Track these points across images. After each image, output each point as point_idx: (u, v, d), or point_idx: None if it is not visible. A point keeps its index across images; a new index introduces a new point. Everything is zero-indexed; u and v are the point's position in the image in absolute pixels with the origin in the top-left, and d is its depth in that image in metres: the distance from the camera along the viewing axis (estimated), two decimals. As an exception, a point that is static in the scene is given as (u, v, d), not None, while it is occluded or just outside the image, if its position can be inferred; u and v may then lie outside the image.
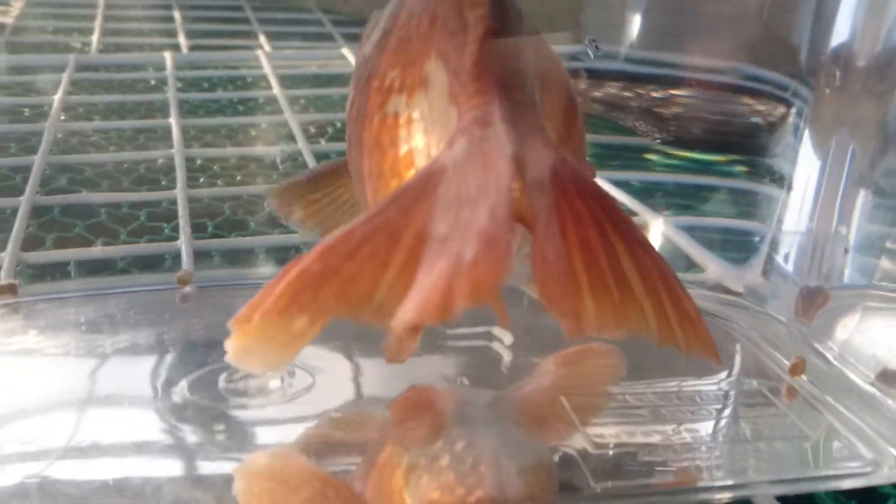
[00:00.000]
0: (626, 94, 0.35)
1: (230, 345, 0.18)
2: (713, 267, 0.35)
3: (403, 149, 0.22)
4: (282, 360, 0.19)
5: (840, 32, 0.30)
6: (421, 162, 0.22)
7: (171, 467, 0.24)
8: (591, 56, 0.34)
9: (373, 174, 0.23)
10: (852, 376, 0.29)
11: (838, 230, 0.31)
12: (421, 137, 0.22)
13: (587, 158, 0.26)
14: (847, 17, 0.29)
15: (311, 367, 0.28)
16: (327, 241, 0.19)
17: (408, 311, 0.17)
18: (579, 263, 0.18)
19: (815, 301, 0.31)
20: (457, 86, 0.21)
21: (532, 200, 0.18)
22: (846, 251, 0.30)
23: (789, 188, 0.32)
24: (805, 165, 0.31)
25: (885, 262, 0.30)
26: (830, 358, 0.30)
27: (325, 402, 0.27)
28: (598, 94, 0.34)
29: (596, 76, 0.34)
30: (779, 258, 0.32)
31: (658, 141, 0.38)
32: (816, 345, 0.31)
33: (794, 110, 0.32)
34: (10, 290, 0.31)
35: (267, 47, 0.76)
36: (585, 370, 0.29)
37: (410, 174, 0.21)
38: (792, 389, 0.29)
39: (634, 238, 0.19)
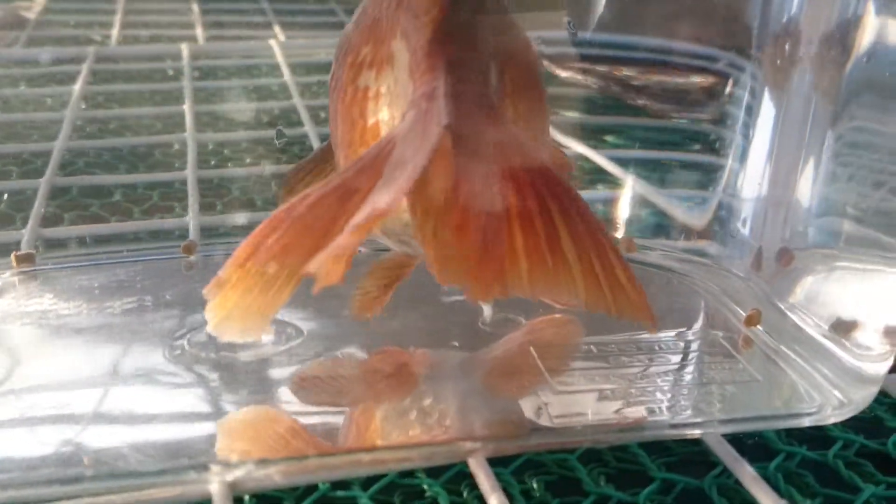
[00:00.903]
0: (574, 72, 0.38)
1: (210, 314, 0.21)
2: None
3: (371, 120, 0.25)
4: (257, 324, 0.21)
5: (790, 5, 0.32)
6: (385, 133, 0.24)
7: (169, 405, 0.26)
8: (569, 37, 0.36)
9: (345, 142, 0.26)
10: (806, 328, 0.31)
11: (796, 196, 0.33)
12: (386, 110, 0.25)
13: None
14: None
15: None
16: (293, 199, 0.21)
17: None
18: (517, 230, 0.20)
19: (779, 260, 0.33)
20: (413, 63, 0.23)
21: (462, 167, 0.20)
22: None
23: (743, 157, 0.34)
24: (759, 135, 0.33)
25: (847, 226, 0.32)
26: (787, 311, 0.32)
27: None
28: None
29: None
30: (736, 223, 0.34)
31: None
32: (776, 300, 0.32)
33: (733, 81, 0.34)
34: (28, 258, 0.34)
35: (281, 37, 0.79)
36: (549, 336, 0.31)
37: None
38: (748, 339, 0.31)
39: (573, 209, 0.21)
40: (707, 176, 0.35)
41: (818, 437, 0.29)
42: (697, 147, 0.36)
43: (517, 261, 0.20)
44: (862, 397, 0.28)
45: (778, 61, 0.32)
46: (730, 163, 0.34)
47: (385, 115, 0.25)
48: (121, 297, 0.32)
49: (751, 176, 0.34)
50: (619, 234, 0.36)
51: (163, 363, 0.28)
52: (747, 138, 0.34)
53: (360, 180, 0.21)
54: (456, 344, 0.31)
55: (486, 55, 0.24)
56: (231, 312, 0.21)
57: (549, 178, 0.21)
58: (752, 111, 0.34)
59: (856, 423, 0.29)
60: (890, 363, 0.28)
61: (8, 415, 0.26)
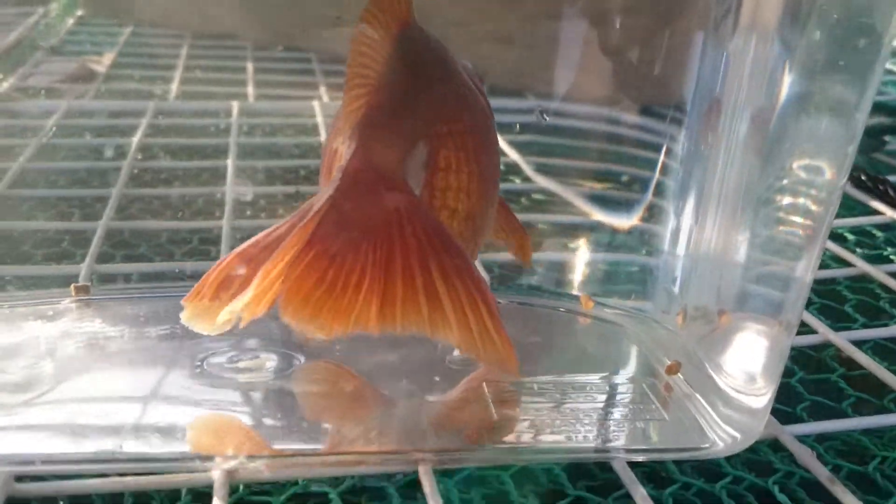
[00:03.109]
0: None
1: (183, 315, 0.30)
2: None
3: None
4: (219, 327, 0.30)
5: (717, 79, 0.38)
6: None
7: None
8: (543, 124, 0.42)
9: None
10: (716, 377, 0.37)
11: (730, 259, 0.38)
12: None
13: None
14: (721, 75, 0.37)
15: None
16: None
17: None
18: (400, 283, 0.27)
19: (719, 317, 0.39)
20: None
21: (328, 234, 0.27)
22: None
23: (675, 222, 0.40)
24: (688, 201, 0.39)
25: (753, 288, 0.37)
26: (705, 362, 0.38)
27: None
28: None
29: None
30: (667, 283, 0.41)
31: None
32: (698, 352, 0.39)
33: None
34: (85, 289, 0.41)
35: (325, 98, 0.87)
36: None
37: None
38: (668, 385, 0.37)
39: (454, 268, 0.28)
40: (644, 239, 0.42)
41: (713, 471, 0.35)
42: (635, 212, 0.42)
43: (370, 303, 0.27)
44: (745, 438, 0.34)
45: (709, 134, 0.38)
46: (665, 228, 0.41)
47: None
48: (157, 325, 0.39)
49: (679, 240, 0.40)
50: (577, 291, 0.43)
51: (186, 380, 0.35)
52: (678, 204, 0.40)
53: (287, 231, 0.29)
54: (437, 378, 0.37)
55: (408, 138, 0.30)
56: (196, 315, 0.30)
57: (434, 242, 0.28)
58: (681, 178, 0.40)
59: (749, 463, 0.35)
60: (767, 407, 0.34)
61: (54, 419, 0.33)
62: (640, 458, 0.34)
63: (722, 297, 0.38)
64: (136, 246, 0.51)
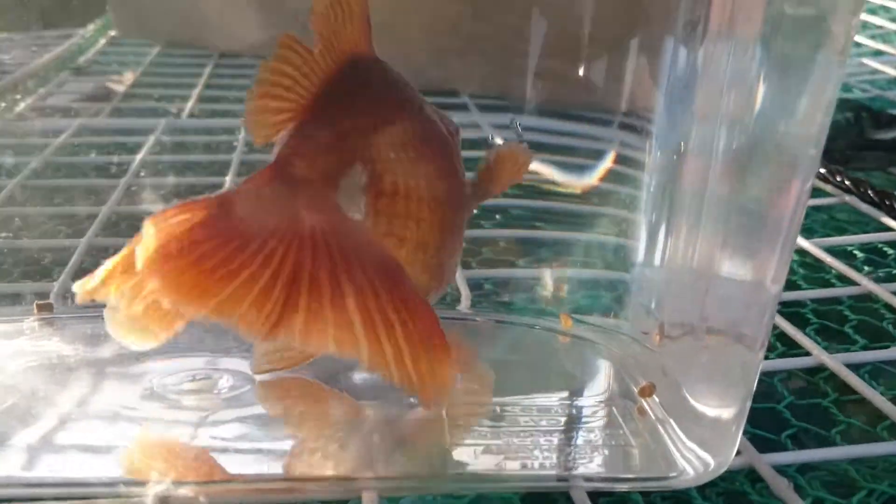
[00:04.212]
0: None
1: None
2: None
3: None
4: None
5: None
6: None
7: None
8: (518, 135, 0.41)
9: None
10: (691, 400, 0.35)
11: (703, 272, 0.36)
12: None
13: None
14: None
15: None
16: None
17: None
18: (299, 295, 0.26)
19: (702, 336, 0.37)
20: None
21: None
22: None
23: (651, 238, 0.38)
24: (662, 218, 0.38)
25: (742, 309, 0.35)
26: (680, 383, 0.36)
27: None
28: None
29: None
30: (642, 299, 0.39)
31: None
32: (673, 372, 0.36)
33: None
34: (48, 308, 0.40)
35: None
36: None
37: None
38: (642, 408, 0.35)
39: (371, 288, 0.27)
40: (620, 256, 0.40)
41: (684, 502, 0.33)
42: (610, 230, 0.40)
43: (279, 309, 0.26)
44: (717, 465, 0.32)
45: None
46: (640, 244, 0.39)
47: None
48: (113, 345, 0.38)
49: (656, 257, 0.38)
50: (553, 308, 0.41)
51: (132, 401, 0.34)
52: (652, 221, 0.38)
53: None
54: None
55: (338, 158, 0.29)
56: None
57: (365, 260, 0.27)
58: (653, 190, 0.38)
59: (723, 494, 0.33)
60: (737, 431, 0.32)
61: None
62: (603, 487, 0.32)
63: (699, 313, 0.36)
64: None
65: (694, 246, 0.35)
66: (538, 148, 0.40)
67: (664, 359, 0.36)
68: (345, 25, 0.29)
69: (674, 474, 0.32)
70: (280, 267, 0.26)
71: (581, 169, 0.40)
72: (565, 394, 0.36)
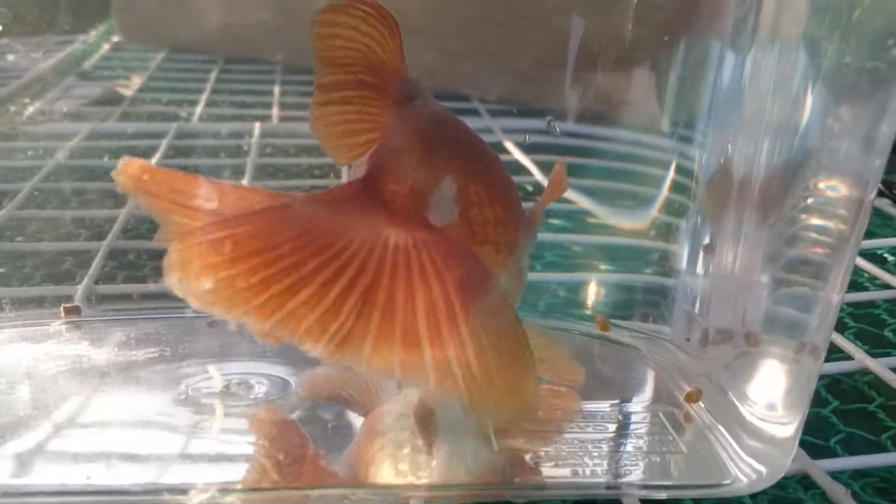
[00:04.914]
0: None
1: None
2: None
3: None
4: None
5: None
6: None
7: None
8: (554, 136, 0.40)
9: None
10: (740, 406, 0.34)
11: (753, 283, 0.36)
12: None
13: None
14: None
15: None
16: None
17: None
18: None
19: (748, 341, 0.36)
20: None
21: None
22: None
23: (695, 245, 0.37)
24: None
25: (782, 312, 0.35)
26: (726, 389, 0.35)
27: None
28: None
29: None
30: (686, 304, 0.38)
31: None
32: (718, 378, 0.36)
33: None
34: (76, 311, 0.40)
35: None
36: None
37: None
38: (688, 414, 0.35)
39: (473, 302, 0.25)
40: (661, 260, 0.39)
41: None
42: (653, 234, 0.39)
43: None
44: (772, 473, 0.31)
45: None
46: (684, 250, 0.38)
47: None
48: (144, 348, 0.37)
49: (698, 261, 0.37)
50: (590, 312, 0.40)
51: (167, 407, 0.33)
52: (698, 227, 0.37)
53: None
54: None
55: (431, 174, 0.28)
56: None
57: (437, 261, 0.25)
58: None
59: (777, 501, 0.32)
60: (794, 438, 0.31)
61: (22, 447, 0.31)
62: (655, 494, 0.31)
63: (746, 320, 0.35)
64: (139, 267, 0.49)
65: (743, 253, 0.34)
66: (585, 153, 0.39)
67: (711, 365, 0.36)
68: (394, 42, 0.29)
69: (727, 482, 0.31)
70: (353, 282, 0.25)
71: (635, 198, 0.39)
72: (610, 400, 0.35)
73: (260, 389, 0.35)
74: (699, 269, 0.37)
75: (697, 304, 0.38)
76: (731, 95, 0.35)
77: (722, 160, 0.36)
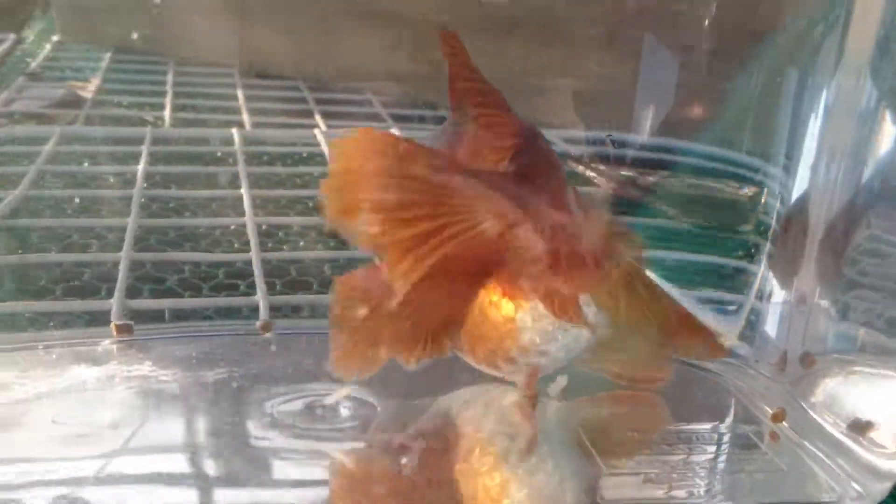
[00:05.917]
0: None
1: None
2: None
3: None
4: None
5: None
6: None
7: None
8: (610, 150, 0.40)
9: None
10: (826, 426, 0.34)
11: (819, 303, 0.36)
12: None
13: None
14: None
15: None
16: None
17: None
18: None
19: (803, 363, 0.37)
20: None
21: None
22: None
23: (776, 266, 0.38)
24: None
25: (863, 333, 0.35)
26: (809, 410, 0.35)
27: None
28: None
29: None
30: (763, 326, 0.38)
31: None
32: (799, 399, 0.36)
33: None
34: (128, 329, 0.37)
35: (323, 126, 0.83)
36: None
37: None
38: (774, 434, 0.35)
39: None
40: (739, 282, 0.39)
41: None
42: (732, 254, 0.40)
43: None
44: (878, 490, 0.31)
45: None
46: (761, 270, 0.38)
47: None
48: (212, 368, 0.35)
49: (776, 282, 0.37)
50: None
51: (260, 430, 0.32)
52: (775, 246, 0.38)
53: None
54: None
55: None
56: None
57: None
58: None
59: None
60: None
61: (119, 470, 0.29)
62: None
63: (827, 342, 0.36)
64: (162, 280, 0.47)
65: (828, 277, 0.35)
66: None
67: (796, 387, 0.36)
68: None
69: (834, 499, 0.32)
70: None
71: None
72: (700, 421, 0.35)
73: (344, 413, 0.33)
74: (780, 290, 0.37)
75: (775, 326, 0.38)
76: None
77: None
